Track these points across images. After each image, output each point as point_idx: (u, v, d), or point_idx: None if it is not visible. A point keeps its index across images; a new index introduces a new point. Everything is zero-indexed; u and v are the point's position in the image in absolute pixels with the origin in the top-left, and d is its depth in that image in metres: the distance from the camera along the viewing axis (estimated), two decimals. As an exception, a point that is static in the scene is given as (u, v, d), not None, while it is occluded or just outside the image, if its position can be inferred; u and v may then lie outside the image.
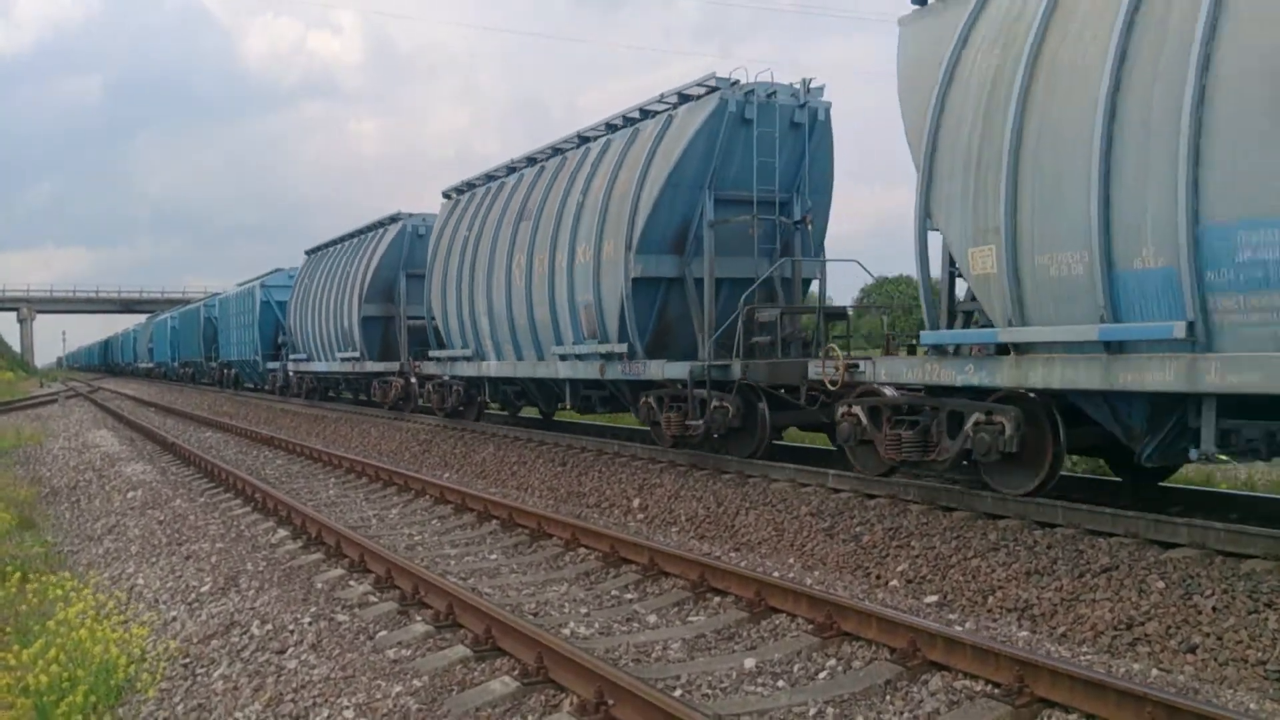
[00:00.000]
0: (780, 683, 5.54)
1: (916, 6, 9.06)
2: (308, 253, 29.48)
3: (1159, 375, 6.69)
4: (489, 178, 17.33)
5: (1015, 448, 7.98)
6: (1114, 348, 7.03)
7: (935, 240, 8.78)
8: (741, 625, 6.58)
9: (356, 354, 23.36)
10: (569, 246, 13.63)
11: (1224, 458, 6.97)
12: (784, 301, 12.40)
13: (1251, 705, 5.01)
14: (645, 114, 13.11)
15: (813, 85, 12.49)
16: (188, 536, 10.19)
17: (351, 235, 25.37)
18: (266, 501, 11.61)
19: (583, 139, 14.47)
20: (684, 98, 12.45)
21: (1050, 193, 7.35)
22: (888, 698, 5.27)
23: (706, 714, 4.67)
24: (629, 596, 7.49)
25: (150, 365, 62.00)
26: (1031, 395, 8.07)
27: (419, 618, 6.77)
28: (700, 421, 11.64)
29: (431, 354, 19.17)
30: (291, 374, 29.96)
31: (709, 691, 5.43)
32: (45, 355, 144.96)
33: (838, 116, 12.76)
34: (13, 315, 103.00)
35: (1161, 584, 6.33)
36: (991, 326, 7.99)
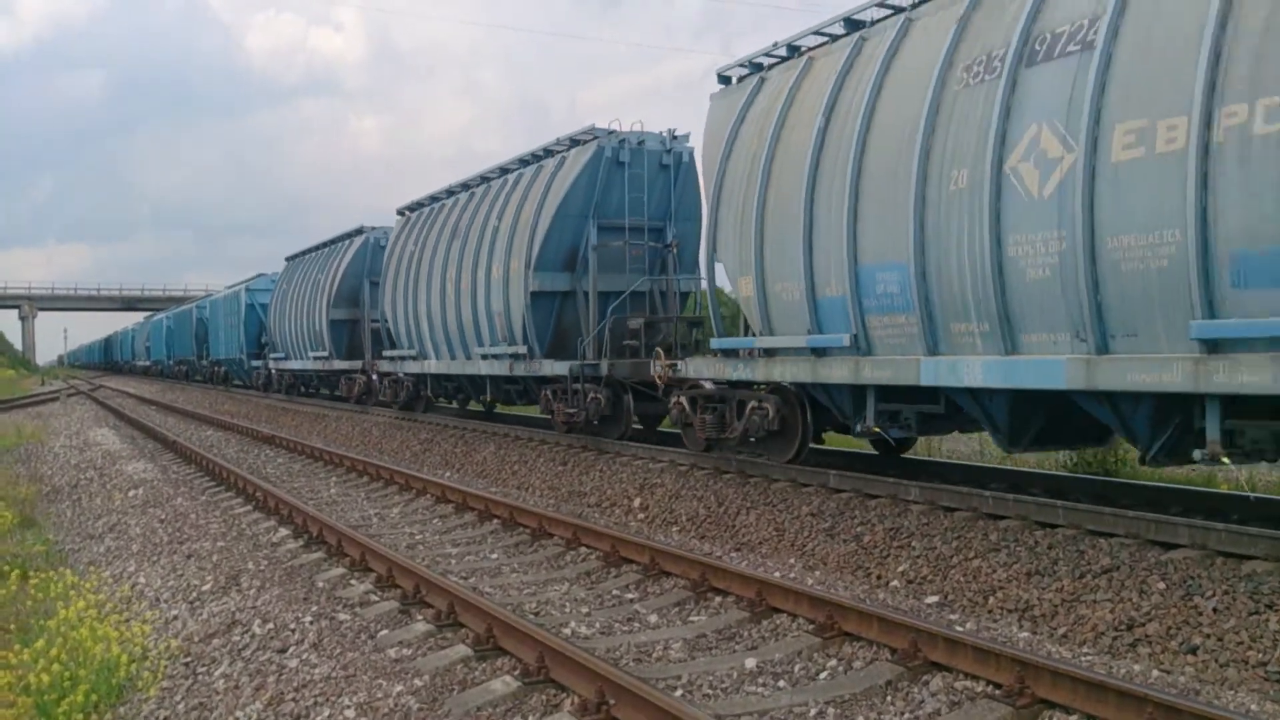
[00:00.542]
0: (781, 683, 5.54)
1: (721, 86, 11.41)
2: (287, 259, 31.72)
3: (840, 371, 9.27)
4: (433, 199, 19.95)
5: (777, 426, 10.53)
6: (819, 351, 9.52)
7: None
8: (742, 625, 6.58)
9: (326, 353, 25.76)
10: (487, 263, 16.23)
11: (875, 431, 9.54)
12: (663, 312, 14.95)
13: (1252, 707, 5.01)
14: (547, 153, 15.71)
15: (678, 134, 15.17)
16: (189, 535, 10.20)
17: (324, 245, 27.82)
18: (268, 500, 11.62)
19: (504, 170, 17.15)
20: (574, 142, 15.09)
21: (780, 240, 9.87)
22: (889, 698, 5.27)
23: (707, 714, 4.68)
24: (630, 596, 7.49)
25: (148, 363, 64.31)
26: (789, 387, 10.39)
27: (420, 617, 6.78)
28: (576, 409, 14.14)
29: (385, 353, 21.65)
30: (273, 371, 32.47)
31: (710, 691, 5.43)
32: (46, 353, 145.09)
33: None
34: (14, 313, 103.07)
35: (1162, 585, 6.33)
36: (754, 336, 10.48)
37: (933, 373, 8.25)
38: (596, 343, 14.35)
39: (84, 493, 14.19)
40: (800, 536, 8.77)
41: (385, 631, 6.53)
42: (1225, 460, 6.47)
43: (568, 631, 6.49)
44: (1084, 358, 6.99)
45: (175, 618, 7.50)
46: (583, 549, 8.87)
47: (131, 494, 13.36)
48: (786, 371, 9.99)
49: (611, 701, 4.89)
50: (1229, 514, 7.94)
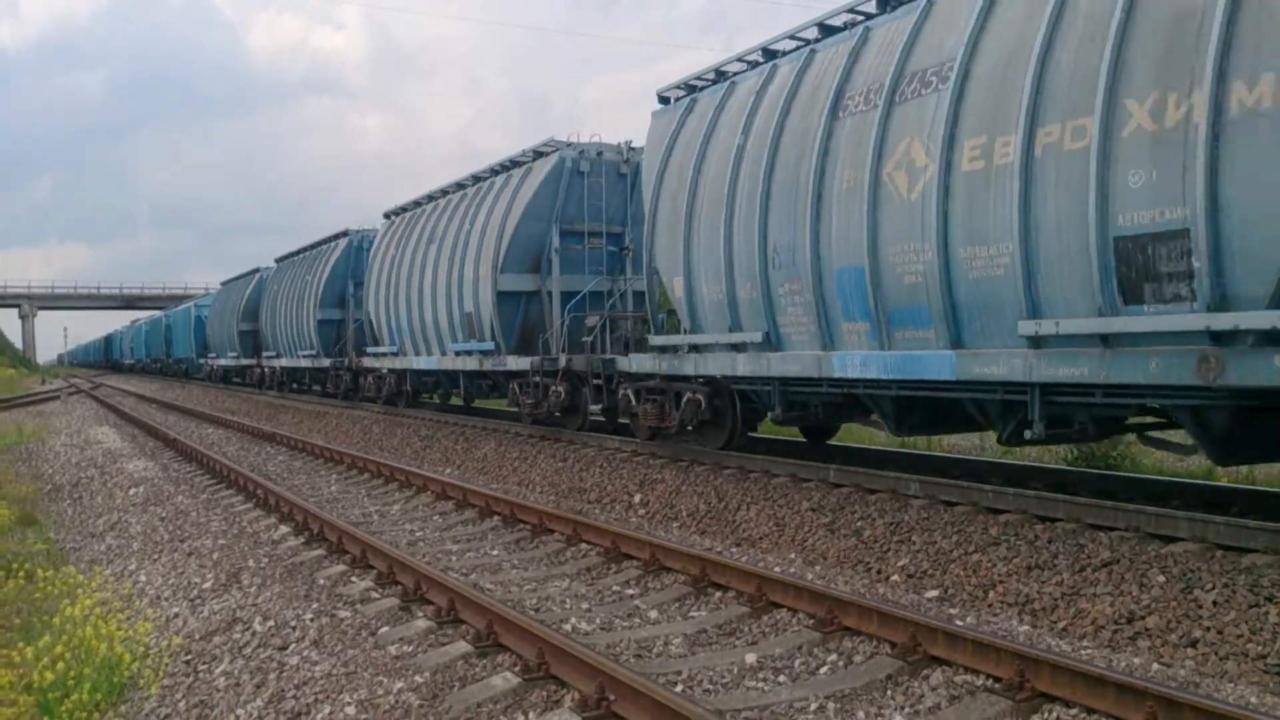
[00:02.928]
0: (781, 678, 5.55)
1: (661, 105, 12.46)
2: (277, 260, 32.69)
3: (755, 365, 10.24)
4: (415, 204, 20.96)
5: (710, 416, 11.53)
6: (738, 347, 10.54)
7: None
8: (743, 620, 6.59)
9: (314, 351, 26.90)
10: (460, 265, 17.27)
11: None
12: (621, 310, 15.72)
13: (1252, 699, 5.01)
14: (514, 164, 16.83)
15: (635, 145, 15.85)
16: (190, 533, 10.21)
17: (311, 247, 28.87)
18: (268, 498, 11.62)
19: (476, 179, 18.19)
20: (538, 154, 16.17)
21: (705, 245, 10.93)
22: (889, 692, 5.28)
23: (708, 709, 4.68)
24: (630, 592, 7.50)
25: (132, 361, 76.55)
26: (720, 379, 11.16)
27: (420, 614, 6.79)
28: (536, 401, 15.26)
29: (368, 350, 22.73)
30: (266, 369, 33.87)
31: (710, 687, 5.44)
32: (46, 352, 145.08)
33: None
34: (14, 311, 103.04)
35: (1162, 578, 6.33)
36: (686, 334, 11.48)
37: (827, 365, 9.34)
38: (558, 339, 15.39)
39: (85, 491, 14.20)
40: (800, 531, 8.78)
41: (386, 628, 6.54)
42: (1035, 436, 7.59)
43: (568, 627, 6.50)
44: (948, 352, 8.00)
45: (176, 615, 7.51)
46: (583, 545, 8.88)
47: (132, 492, 13.37)
48: (713, 365, 11.01)
49: (612, 697, 4.90)
50: (1229, 507, 7.95)
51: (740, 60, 11.19)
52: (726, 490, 10.24)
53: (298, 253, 30.29)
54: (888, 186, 8.39)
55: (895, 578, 7.54)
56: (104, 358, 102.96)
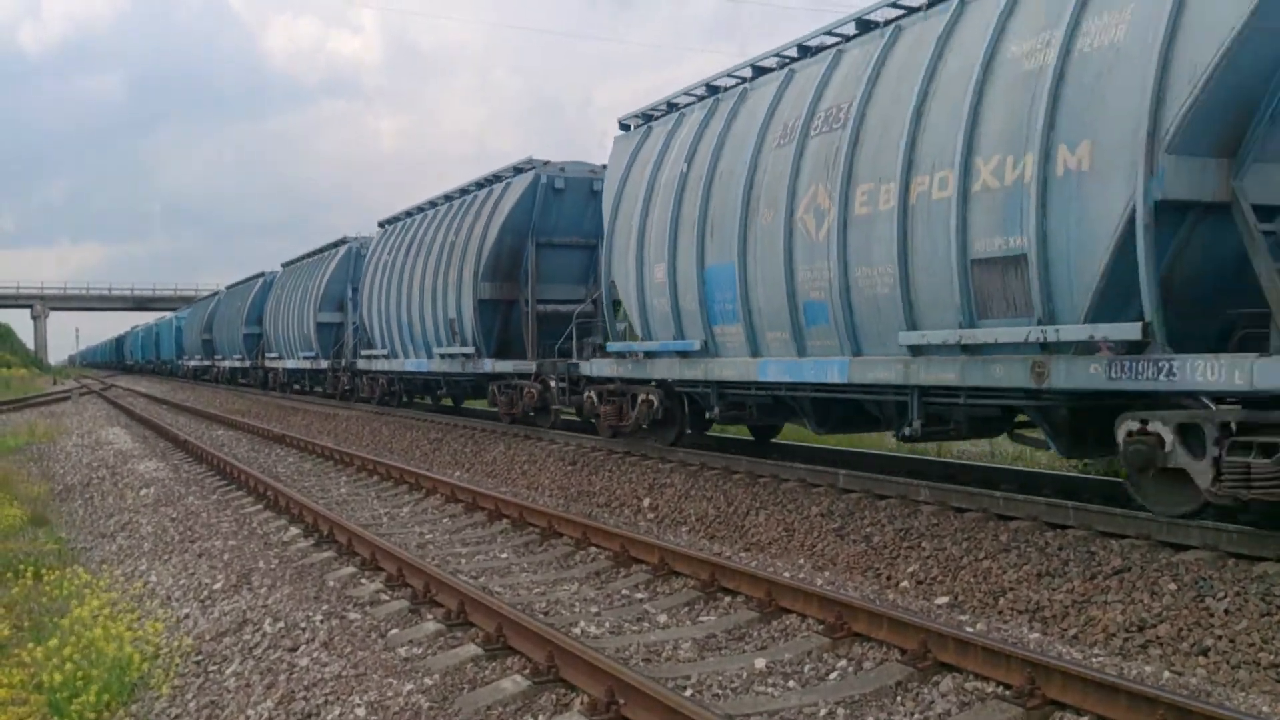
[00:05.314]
0: (791, 683, 5.54)
1: (621, 131, 13.84)
2: (283, 265, 34.54)
3: (695, 370, 11.65)
4: (408, 214, 22.22)
5: (661, 415, 12.75)
6: (682, 354, 11.87)
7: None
8: (752, 625, 6.58)
9: (314, 353, 28.49)
10: (445, 273, 18.44)
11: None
12: (591, 318, 15.99)
13: (1264, 708, 4.99)
14: (496, 179, 17.90)
15: (604, 165, 15.78)
16: (200, 534, 10.24)
17: (314, 253, 30.55)
18: (278, 499, 11.65)
19: (463, 191, 19.19)
20: (518, 170, 17.17)
21: (654, 262, 12.28)
22: (899, 699, 5.27)
23: (717, 714, 4.68)
24: (639, 596, 7.50)
25: (132, 361, 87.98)
26: (669, 382, 12.35)
27: (430, 616, 6.80)
28: (509, 400, 16.77)
29: (362, 353, 24.15)
30: (269, 370, 35.62)
31: (719, 691, 5.43)
32: (58, 352, 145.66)
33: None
34: (26, 312, 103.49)
35: (1174, 586, 6.31)
36: (640, 341, 12.86)
37: (753, 371, 10.68)
38: (532, 345, 16.85)
39: (96, 491, 14.26)
40: (810, 537, 8.77)
41: (395, 630, 6.55)
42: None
43: (577, 631, 6.50)
44: (848, 359, 9.35)
45: (187, 616, 7.54)
46: (592, 549, 8.88)
47: (143, 493, 13.42)
48: (662, 370, 12.29)
49: (621, 701, 4.90)
50: (1240, 516, 7.90)
51: (688, 94, 12.47)
52: (736, 495, 10.23)
53: (301, 259, 32.11)
54: (799, 227, 9.82)
55: (905, 584, 7.52)
56: (116, 358, 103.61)
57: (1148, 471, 7.12)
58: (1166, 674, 5.52)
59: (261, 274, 36.71)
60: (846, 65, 9.70)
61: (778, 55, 10.90)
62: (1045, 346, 7.45)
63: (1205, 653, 5.65)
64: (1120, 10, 7.02)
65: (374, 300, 22.78)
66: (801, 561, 8.41)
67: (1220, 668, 5.50)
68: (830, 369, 9.52)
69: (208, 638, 6.84)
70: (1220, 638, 5.71)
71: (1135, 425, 7.12)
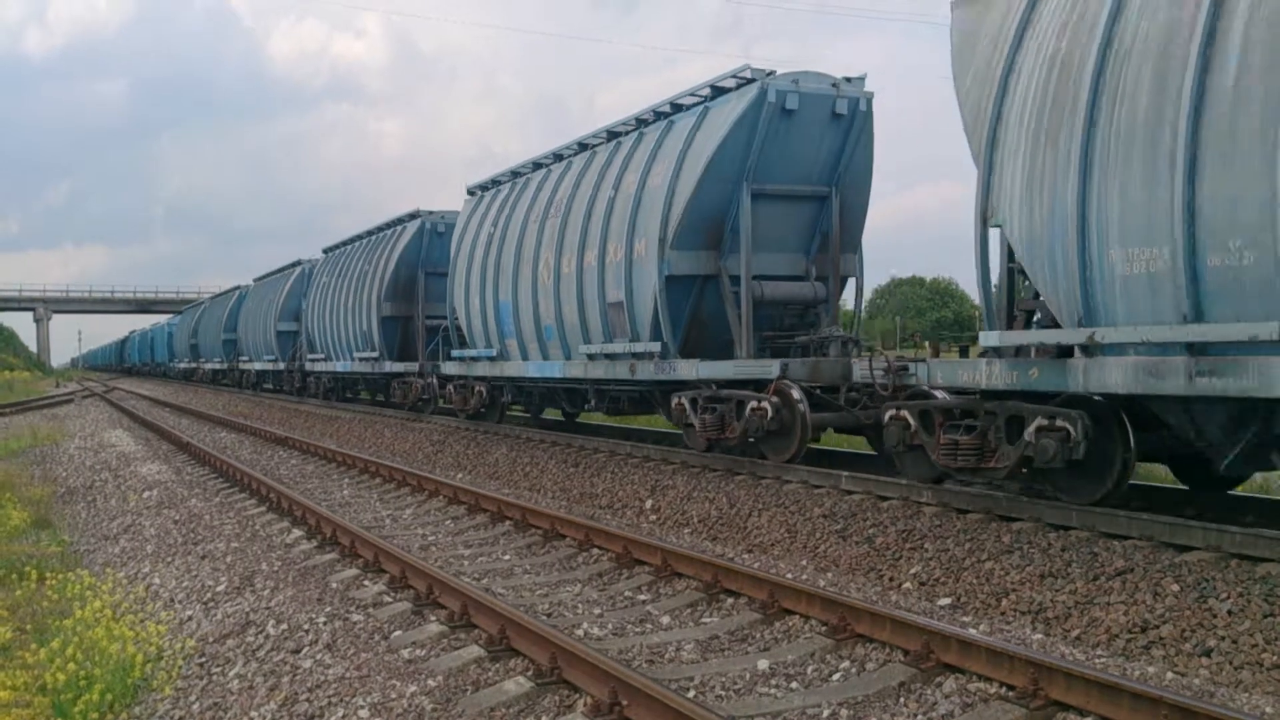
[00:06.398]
0: (794, 684, 5.55)
1: (468, 195, 18.66)
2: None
3: (494, 371, 17.67)
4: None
5: (488, 401, 18.11)
6: (490, 359, 17.36)
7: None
8: (755, 627, 6.59)
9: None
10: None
11: None
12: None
13: (1267, 709, 4.99)
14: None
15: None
16: (203, 536, 10.25)
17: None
18: (281, 501, 11.66)
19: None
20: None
21: (475, 293, 18.22)
22: (901, 700, 5.27)
23: (720, 715, 4.68)
24: (642, 597, 7.50)
25: (131, 364, 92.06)
26: (486, 378, 18.09)
27: (433, 618, 6.80)
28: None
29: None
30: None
31: (722, 693, 5.43)
32: (61, 355, 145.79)
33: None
34: (29, 315, 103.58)
35: (1176, 587, 6.30)
36: (470, 348, 18.65)
37: (525, 370, 16.05)
38: (422, 350, 19.86)
39: (99, 494, 14.27)
40: (812, 538, 8.77)
41: (399, 632, 6.55)
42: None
43: (580, 632, 6.50)
44: (563, 361, 14.75)
45: (190, 618, 7.54)
46: (595, 550, 8.88)
47: (146, 495, 13.43)
48: (481, 369, 17.75)
49: (624, 702, 4.90)
50: (1244, 516, 7.91)
51: (503, 175, 17.60)
52: (738, 496, 10.23)
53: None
54: (540, 277, 15.14)
55: (908, 585, 7.52)
56: (119, 361, 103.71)
57: (899, 446, 9.14)
58: (1169, 675, 5.52)
59: (237, 287, 41.15)
60: (566, 172, 15.02)
61: (554, 153, 15.65)
62: (636, 355, 12.71)
63: (1208, 654, 5.65)
64: (664, 163, 12.24)
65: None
66: (804, 563, 8.41)
67: (1223, 669, 5.50)
68: (556, 368, 14.93)
69: (211, 639, 6.84)
70: (1223, 639, 5.71)
71: (893, 411, 9.11)
